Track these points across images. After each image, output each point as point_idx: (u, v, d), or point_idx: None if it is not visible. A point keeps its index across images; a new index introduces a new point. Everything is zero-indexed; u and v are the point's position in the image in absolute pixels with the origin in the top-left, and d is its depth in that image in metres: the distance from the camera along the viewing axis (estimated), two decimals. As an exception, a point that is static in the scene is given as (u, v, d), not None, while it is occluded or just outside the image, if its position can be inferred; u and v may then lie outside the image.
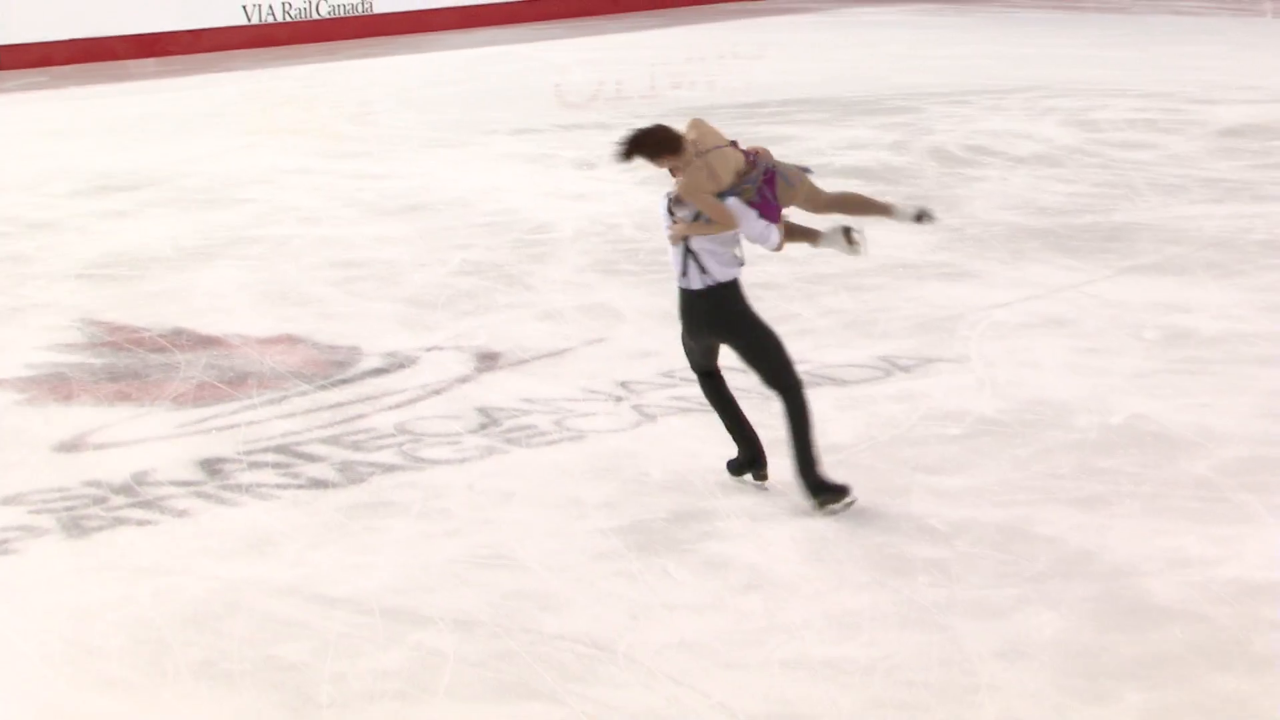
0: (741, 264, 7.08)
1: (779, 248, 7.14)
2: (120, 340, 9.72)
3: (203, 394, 8.77)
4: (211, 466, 7.77)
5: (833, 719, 5.51)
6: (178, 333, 9.86)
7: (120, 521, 7.17)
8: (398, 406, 8.57)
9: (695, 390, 7.62)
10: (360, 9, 26.51)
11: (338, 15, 26.26)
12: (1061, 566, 6.54)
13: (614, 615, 6.22)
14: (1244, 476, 7.41)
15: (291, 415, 8.44)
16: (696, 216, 6.98)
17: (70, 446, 8.09)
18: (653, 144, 6.99)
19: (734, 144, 7.10)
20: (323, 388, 8.84)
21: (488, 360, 9.28)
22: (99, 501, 7.38)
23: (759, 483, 7.38)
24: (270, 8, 25.53)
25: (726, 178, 6.96)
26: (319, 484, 7.55)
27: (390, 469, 7.72)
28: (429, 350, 9.46)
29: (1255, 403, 8.40)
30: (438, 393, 8.76)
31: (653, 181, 11.76)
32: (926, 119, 16.94)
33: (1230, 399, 8.44)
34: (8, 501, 7.40)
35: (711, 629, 6.10)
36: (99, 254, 11.97)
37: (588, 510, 7.19)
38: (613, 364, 9.14)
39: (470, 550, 6.80)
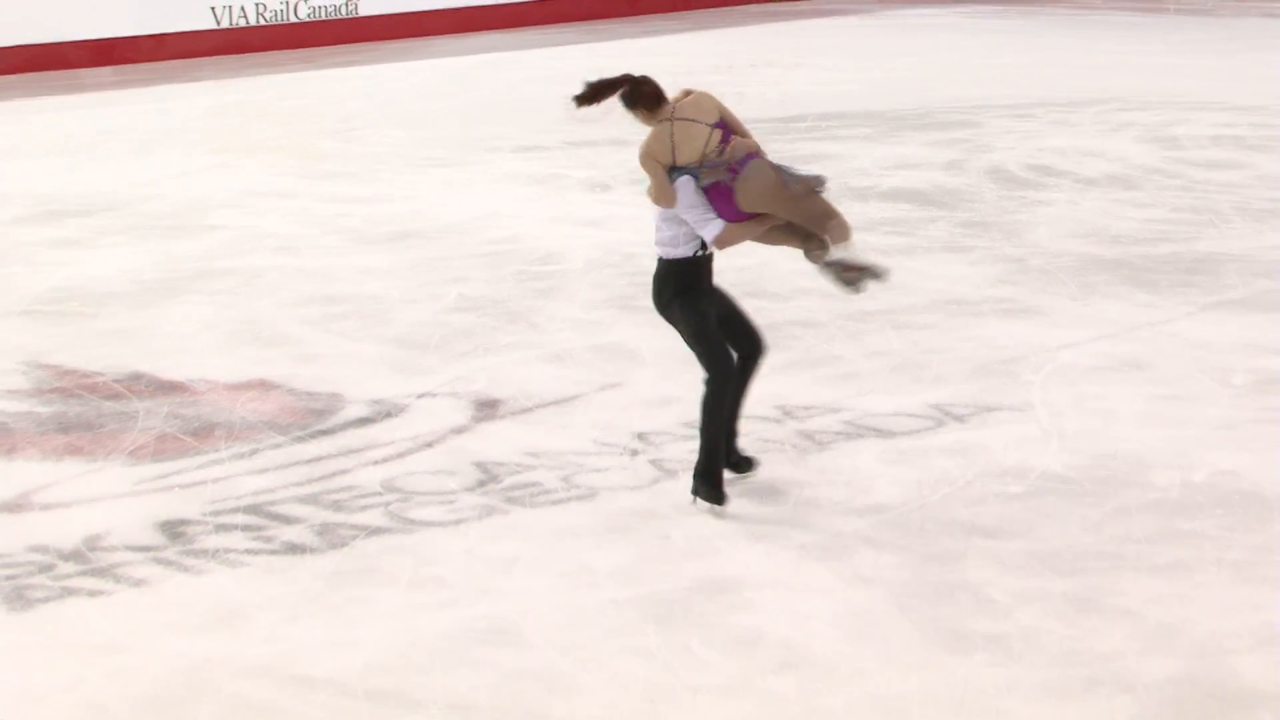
0: (703, 248, 7.51)
1: (718, 245, 7.51)
2: (71, 386, 9.76)
3: (164, 447, 8.81)
4: (173, 529, 7.79)
5: (878, 817, 5.53)
6: (136, 377, 9.90)
7: (70, 592, 7.19)
8: (384, 461, 8.59)
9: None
10: (344, 11, 26.64)
11: (318, 18, 26.39)
12: (1137, 643, 6.54)
13: (629, 699, 6.22)
14: (1346, 541, 7.42)
15: (264, 471, 8.46)
16: None
17: (13, 507, 8.12)
18: (633, 92, 7.50)
19: (724, 129, 7.46)
20: (300, 440, 8.87)
21: (486, 408, 9.31)
22: (45, 569, 7.40)
23: (741, 474, 7.95)
24: (242, 10, 25.63)
25: (686, 154, 7.38)
26: (295, 549, 7.58)
27: (376, 532, 7.74)
28: (420, 397, 9.49)
29: (1359, 457, 8.41)
30: (430, 445, 8.79)
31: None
32: (985, 135, 16.99)
33: (1330, 453, 8.46)
34: (-57, 569, 7.43)
35: (740, 715, 6.10)
36: (47, 288, 12.02)
37: (599, 579, 7.21)
38: (628, 413, 9.17)
39: (467, 624, 6.81)
